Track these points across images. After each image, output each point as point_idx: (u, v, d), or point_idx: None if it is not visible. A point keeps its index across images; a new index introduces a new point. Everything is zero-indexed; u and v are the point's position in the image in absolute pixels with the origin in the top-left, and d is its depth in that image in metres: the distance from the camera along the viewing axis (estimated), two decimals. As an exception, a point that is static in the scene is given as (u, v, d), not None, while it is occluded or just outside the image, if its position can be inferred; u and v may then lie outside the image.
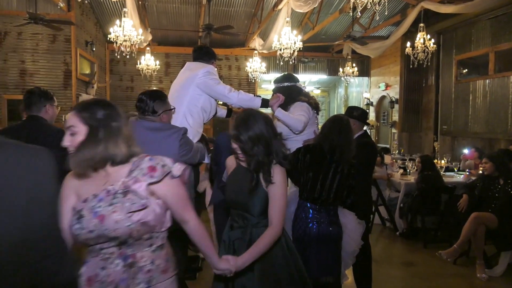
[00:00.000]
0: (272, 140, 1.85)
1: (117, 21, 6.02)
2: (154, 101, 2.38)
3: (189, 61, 3.05)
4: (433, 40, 6.44)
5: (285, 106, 2.90)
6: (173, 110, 2.54)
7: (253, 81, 10.47)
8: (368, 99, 11.01)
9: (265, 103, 2.81)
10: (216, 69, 2.98)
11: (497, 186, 4.05)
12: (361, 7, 4.43)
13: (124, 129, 1.36)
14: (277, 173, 1.84)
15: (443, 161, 5.94)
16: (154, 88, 9.26)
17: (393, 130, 9.74)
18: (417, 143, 9.32)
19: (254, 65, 9.32)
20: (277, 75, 3.88)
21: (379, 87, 10.33)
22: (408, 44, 6.54)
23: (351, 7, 4.68)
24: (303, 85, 3.77)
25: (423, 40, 6.31)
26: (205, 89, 2.79)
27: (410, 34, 7.61)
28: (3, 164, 0.94)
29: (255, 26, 9.29)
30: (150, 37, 8.50)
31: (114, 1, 7.56)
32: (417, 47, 6.33)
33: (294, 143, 2.77)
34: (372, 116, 10.57)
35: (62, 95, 7.21)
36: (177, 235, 1.55)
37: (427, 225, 4.85)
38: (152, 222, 1.35)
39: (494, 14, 6.80)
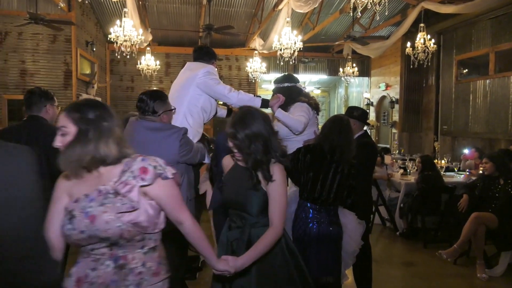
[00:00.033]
0: (271, 137, 1.81)
1: (118, 21, 6.02)
2: (154, 101, 2.39)
3: (189, 61, 3.05)
4: (433, 40, 6.44)
5: (285, 106, 2.90)
6: (173, 111, 2.54)
7: (253, 81, 10.47)
8: (368, 99, 11.02)
9: (265, 103, 2.81)
10: (216, 69, 2.99)
11: (497, 186, 4.05)
12: (361, 7, 4.43)
13: (116, 130, 1.35)
14: (277, 171, 1.80)
15: (443, 161, 5.94)
16: (155, 88, 9.26)
17: (393, 130, 9.74)
18: (417, 143, 9.32)
19: (254, 65, 9.32)
20: (277, 75, 3.89)
21: (379, 87, 10.32)
22: (409, 44, 6.54)
23: (352, 7, 4.68)
24: (303, 86, 3.77)
25: (424, 40, 6.31)
26: (205, 89, 2.79)
27: (411, 34, 7.61)
28: None
29: (256, 26, 9.29)
30: (150, 37, 8.50)
31: (114, 1, 7.56)
32: (417, 47, 6.33)
33: (294, 144, 2.78)
34: (372, 116, 10.56)
35: (62, 95, 7.21)
36: (177, 235, 1.54)
37: (427, 225, 4.85)
38: (144, 223, 1.33)
39: (494, 14, 6.80)
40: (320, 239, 2.39)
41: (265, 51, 9.10)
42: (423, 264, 4.17)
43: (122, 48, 6.03)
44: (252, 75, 9.54)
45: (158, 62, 9.26)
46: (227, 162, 2.02)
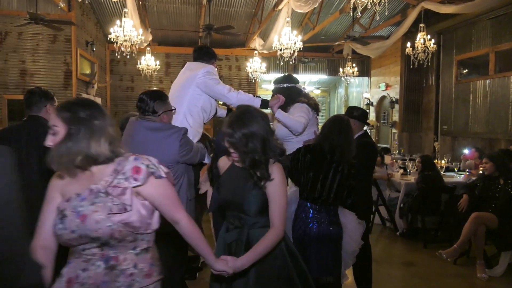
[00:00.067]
0: (269, 137, 1.77)
1: (118, 21, 6.02)
2: (154, 101, 2.39)
3: (189, 61, 3.05)
4: (433, 40, 6.44)
5: (284, 107, 2.89)
6: (173, 111, 2.54)
7: (253, 81, 10.48)
8: (368, 99, 11.02)
9: (264, 103, 2.81)
10: (216, 69, 2.99)
11: (497, 186, 4.05)
12: (361, 7, 4.43)
13: (108, 129, 1.34)
14: (276, 171, 1.76)
15: (443, 161, 5.94)
16: (155, 88, 9.26)
17: (393, 130, 9.74)
18: (417, 143, 9.32)
19: (254, 65, 9.32)
20: (277, 75, 3.89)
21: (379, 87, 10.33)
22: (409, 44, 6.54)
23: (352, 7, 4.68)
24: (303, 86, 3.76)
25: (424, 40, 6.31)
26: (204, 89, 2.79)
27: (411, 34, 7.61)
28: None
29: (255, 26, 9.30)
30: (150, 37, 8.50)
31: (114, 1, 7.56)
32: (417, 47, 6.33)
33: (294, 144, 2.77)
34: (372, 116, 10.57)
35: (62, 95, 7.20)
36: (177, 235, 1.53)
37: (427, 225, 4.84)
38: (135, 223, 1.31)
39: (494, 14, 6.80)
40: (320, 239, 2.39)
41: (265, 51, 9.10)
42: (423, 264, 4.17)
43: (122, 48, 6.03)
44: (252, 75, 9.54)
45: (158, 62, 9.26)
46: (223, 163, 1.98)
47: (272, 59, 10.04)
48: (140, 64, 8.96)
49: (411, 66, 6.77)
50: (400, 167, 6.11)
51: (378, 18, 5.72)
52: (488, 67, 7.09)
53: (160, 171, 1.37)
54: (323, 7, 8.21)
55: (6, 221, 0.99)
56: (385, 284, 3.61)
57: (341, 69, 9.97)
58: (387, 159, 6.04)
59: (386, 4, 4.34)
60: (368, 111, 8.64)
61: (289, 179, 2.70)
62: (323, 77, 12.07)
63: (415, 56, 6.37)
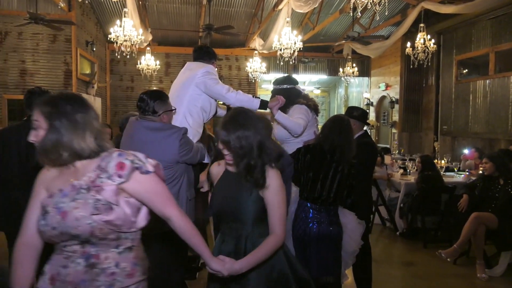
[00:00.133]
0: (265, 140, 1.67)
1: (118, 21, 6.02)
2: (155, 101, 2.39)
3: (189, 61, 3.05)
4: (433, 40, 6.44)
5: (283, 108, 2.88)
6: (174, 111, 2.54)
7: (253, 81, 10.48)
8: (368, 99, 11.02)
9: (264, 104, 2.80)
10: (216, 69, 2.98)
11: (497, 186, 4.05)
12: (361, 7, 4.43)
13: (93, 122, 1.30)
14: (273, 177, 1.67)
15: (443, 161, 5.94)
16: (156, 88, 9.27)
17: (393, 130, 9.74)
18: (417, 143, 9.32)
19: (254, 65, 9.32)
20: (277, 75, 3.88)
21: (379, 87, 10.33)
22: (408, 44, 6.54)
23: (352, 7, 4.68)
24: (303, 86, 3.76)
25: (423, 40, 6.31)
26: (204, 89, 2.79)
27: (410, 34, 7.61)
28: None
29: (255, 26, 9.30)
30: (150, 37, 8.50)
31: (114, 1, 7.57)
32: (417, 47, 6.33)
33: (294, 145, 2.77)
34: (372, 116, 10.57)
35: (62, 95, 7.20)
36: (176, 235, 1.51)
37: (427, 225, 4.84)
38: (117, 221, 1.27)
39: (494, 14, 6.80)
40: (320, 239, 2.39)
41: (265, 51, 9.10)
42: (423, 264, 4.17)
43: (122, 48, 6.03)
44: (252, 75, 9.55)
45: (158, 62, 9.26)
46: (216, 170, 1.86)
47: (272, 59, 10.04)
48: (140, 64, 8.96)
49: (411, 66, 6.77)
50: (400, 167, 6.11)
51: (378, 18, 5.72)
52: (488, 67, 7.09)
53: (147, 166, 1.32)
54: (323, 7, 8.21)
55: None
56: (385, 284, 3.61)
57: (341, 69, 9.97)
58: (387, 159, 6.04)
59: (386, 4, 4.33)
60: (368, 111, 8.65)
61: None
62: (323, 77, 12.07)
63: (415, 56, 6.37)
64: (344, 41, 8.07)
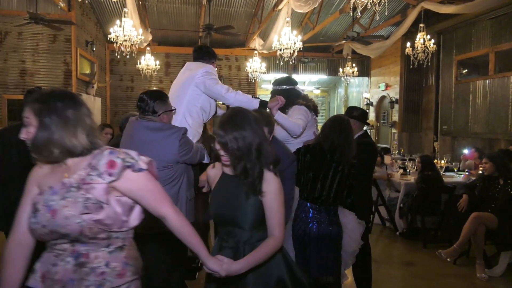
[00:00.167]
0: (262, 142, 1.63)
1: (118, 21, 6.03)
2: (154, 101, 2.39)
3: (189, 61, 3.05)
4: (433, 40, 6.44)
5: (283, 109, 2.88)
6: (174, 111, 2.54)
7: (253, 81, 10.48)
8: (368, 99, 11.02)
9: (263, 104, 2.80)
10: (216, 69, 2.98)
11: (497, 186, 4.05)
12: (361, 7, 4.43)
13: (84, 119, 1.28)
14: (271, 180, 1.63)
15: (443, 161, 5.94)
16: (156, 88, 9.28)
17: (393, 130, 9.75)
18: (417, 143, 9.33)
19: (254, 65, 9.32)
20: (277, 75, 3.88)
21: (379, 87, 10.33)
22: (408, 44, 6.54)
23: (351, 7, 4.68)
24: (303, 86, 3.76)
25: (423, 40, 6.31)
26: (203, 89, 2.79)
27: (410, 34, 7.61)
28: None
29: (255, 26, 9.30)
30: (150, 37, 8.50)
31: (114, 1, 7.57)
32: (417, 47, 6.33)
33: (294, 146, 2.77)
34: (372, 116, 10.57)
35: (62, 95, 7.20)
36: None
37: (427, 225, 4.84)
38: (106, 220, 1.24)
39: (494, 14, 6.81)
40: (320, 239, 2.39)
41: (265, 51, 9.10)
42: (423, 264, 4.17)
43: (122, 48, 6.03)
44: (252, 75, 9.55)
45: (158, 62, 9.26)
46: (213, 173, 1.82)
47: (272, 59, 10.05)
48: (140, 64, 8.97)
49: (411, 66, 6.77)
50: (400, 167, 6.11)
51: (378, 18, 5.72)
52: (488, 67, 7.09)
53: (140, 164, 1.30)
54: (323, 7, 8.21)
55: None
56: (385, 284, 3.61)
57: (341, 69, 9.97)
58: (387, 159, 6.04)
59: (386, 4, 4.34)
60: (368, 111, 8.66)
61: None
62: (323, 77, 12.08)
63: (415, 56, 6.37)
64: (344, 41, 8.07)
